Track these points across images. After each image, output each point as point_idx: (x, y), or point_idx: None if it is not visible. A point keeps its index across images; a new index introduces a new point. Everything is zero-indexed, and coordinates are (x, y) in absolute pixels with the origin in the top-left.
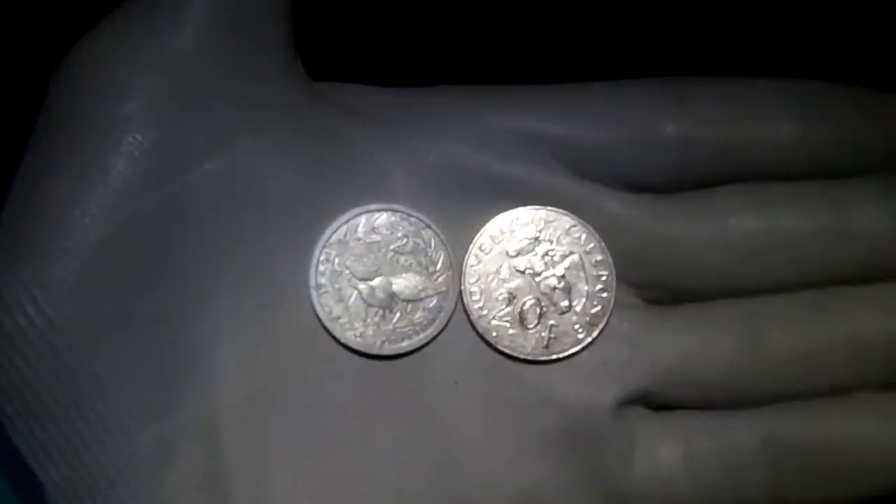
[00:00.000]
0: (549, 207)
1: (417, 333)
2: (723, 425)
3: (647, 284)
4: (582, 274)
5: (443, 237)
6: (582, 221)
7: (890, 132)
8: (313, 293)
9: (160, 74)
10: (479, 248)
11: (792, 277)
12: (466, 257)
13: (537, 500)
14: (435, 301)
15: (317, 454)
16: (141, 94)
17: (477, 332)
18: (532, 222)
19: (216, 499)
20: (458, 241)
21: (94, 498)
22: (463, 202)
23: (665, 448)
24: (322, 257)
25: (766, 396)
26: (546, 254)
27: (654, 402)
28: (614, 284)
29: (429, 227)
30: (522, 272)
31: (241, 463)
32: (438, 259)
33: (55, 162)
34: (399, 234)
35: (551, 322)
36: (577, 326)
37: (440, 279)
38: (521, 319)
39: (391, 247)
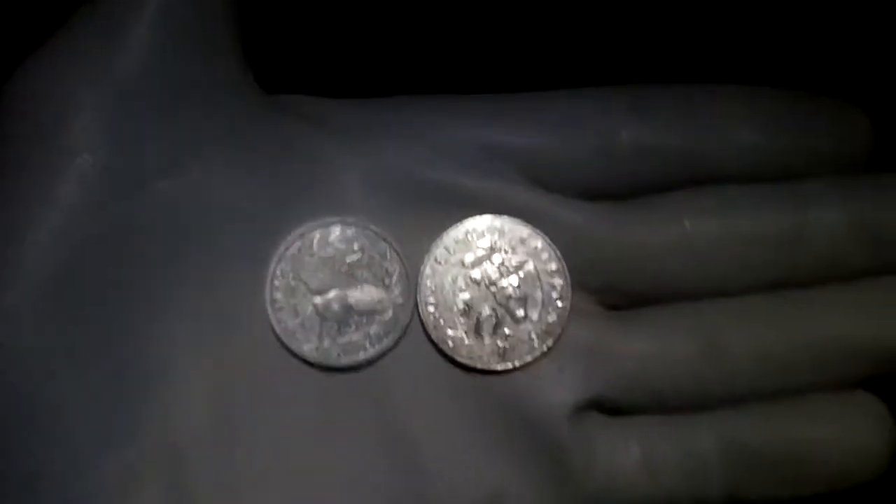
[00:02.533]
0: (503, 217)
1: (374, 345)
2: (680, 429)
3: (606, 290)
4: (537, 283)
5: (398, 249)
6: (537, 230)
7: (847, 138)
8: (269, 308)
9: (107, 94)
10: (435, 260)
11: (749, 280)
12: (422, 269)
13: None
14: (391, 313)
15: (284, 470)
16: (88, 115)
17: (433, 342)
18: (487, 232)
19: None
20: (414, 252)
21: None
22: (419, 214)
23: (624, 453)
24: (277, 272)
25: (723, 400)
26: (501, 263)
27: (612, 407)
28: (570, 293)
29: (384, 239)
30: (478, 282)
31: (208, 486)
32: (394, 271)
33: (1, 188)
34: (354, 247)
35: (507, 331)
36: (532, 335)
37: (396, 291)
38: (478, 329)
39: (346, 260)
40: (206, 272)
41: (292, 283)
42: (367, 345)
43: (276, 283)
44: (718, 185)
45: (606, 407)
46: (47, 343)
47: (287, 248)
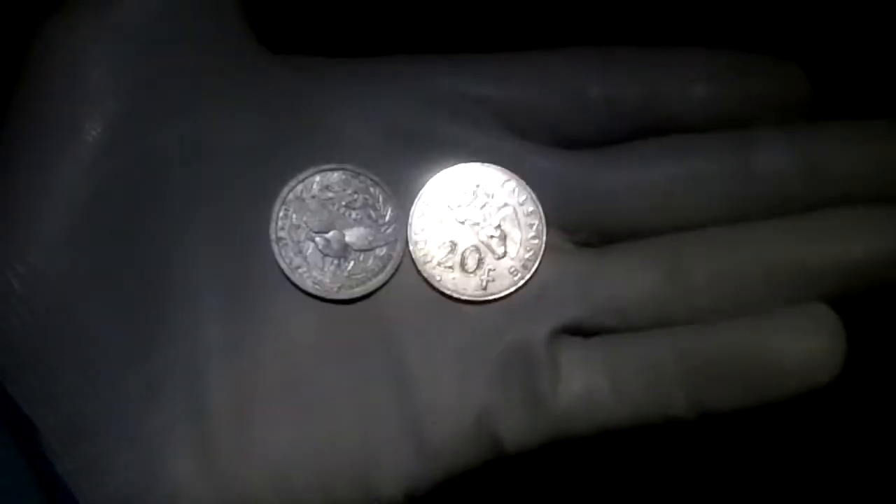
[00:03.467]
0: (485, 163)
1: (370, 279)
2: (643, 345)
3: (578, 229)
4: (515, 223)
5: (390, 192)
6: (515, 176)
7: (789, 90)
8: (274, 246)
9: (121, 46)
10: (424, 202)
11: (706, 217)
12: (412, 210)
13: (486, 420)
14: (384, 250)
15: (291, 387)
16: (105, 66)
17: (422, 277)
18: (470, 177)
19: (201, 434)
20: (405, 195)
21: (85, 440)
22: (409, 159)
23: (593, 370)
24: (281, 213)
25: (684, 321)
26: (483, 206)
27: (583, 330)
28: (544, 232)
29: (377, 183)
30: (462, 223)
31: (222, 399)
32: (387, 212)
33: (36, 130)
34: (350, 191)
35: (489, 267)
36: (512, 269)
37: (388, 230)
38: (462, 265)
39: (343, 202)
40: (217, 208)
41: (295, 222)
42: (364, 279)
43: (281, 223)
44: (676, 133)
45: (580, 331)
46: (79, 268)
47: (290, 191)
